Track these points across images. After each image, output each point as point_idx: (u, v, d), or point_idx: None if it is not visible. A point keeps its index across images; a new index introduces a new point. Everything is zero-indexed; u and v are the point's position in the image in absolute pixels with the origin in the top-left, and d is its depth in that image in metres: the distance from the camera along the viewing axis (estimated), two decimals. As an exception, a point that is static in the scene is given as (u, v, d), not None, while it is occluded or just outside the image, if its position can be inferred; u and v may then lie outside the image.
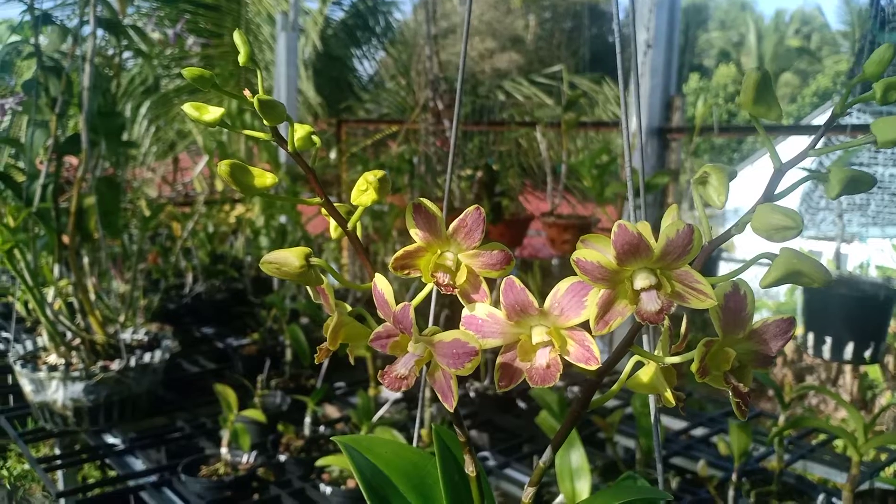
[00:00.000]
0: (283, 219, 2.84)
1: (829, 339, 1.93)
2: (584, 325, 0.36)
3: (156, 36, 1.89)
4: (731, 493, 1.25)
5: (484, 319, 0.39)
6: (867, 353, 1.92)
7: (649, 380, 0.41)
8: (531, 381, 0.37)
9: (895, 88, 0.31)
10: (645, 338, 0.49)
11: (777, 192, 0.35)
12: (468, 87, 5.91)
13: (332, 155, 4.18)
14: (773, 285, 0.33)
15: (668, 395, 0.41)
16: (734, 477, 1.24)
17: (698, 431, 1.76)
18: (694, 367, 0.34)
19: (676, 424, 1.79)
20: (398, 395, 1.85)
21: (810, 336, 1.97)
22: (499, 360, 0.39)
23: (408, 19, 7.90)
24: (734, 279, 0.34)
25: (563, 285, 0.37)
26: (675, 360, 0.38)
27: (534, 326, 0.38)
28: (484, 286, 0.40)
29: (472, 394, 1.90)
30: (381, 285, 0.39)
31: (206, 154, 3.42)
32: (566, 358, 0.37)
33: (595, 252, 0.33)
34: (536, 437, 1.69)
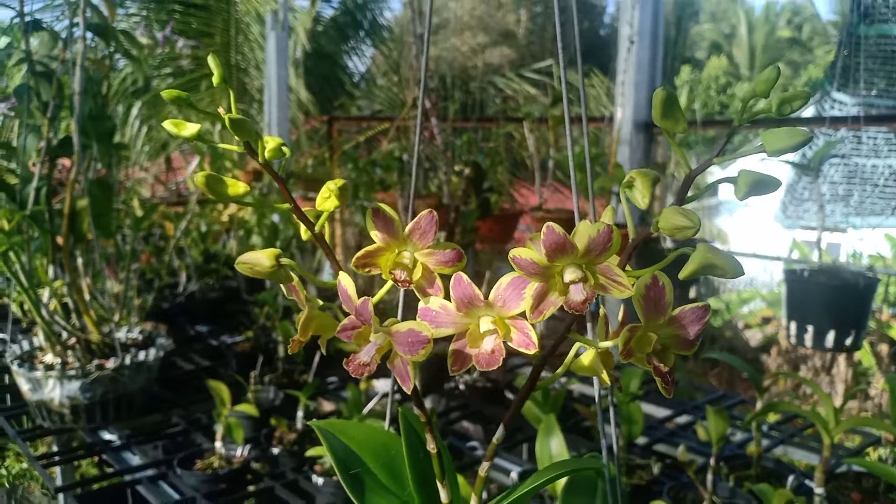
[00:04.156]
0: (275, 217, 2.88)
1: (810, 328, 1.97)
2: (525, 315, 0.41)
3: (145, 40, 1.92)
4: (709, 477, 1.29)
5: (437, 311, 0.43)
6: (848, 341, 1.97)
7: (589, 363, 0.45)
8: (478, 365, 0.41)
9: (789, 103, 0.35)
10: (589, 325, 0.53)
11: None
12: (458, 82, 5.94)
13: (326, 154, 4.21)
14: (690, 277, 0.37)
15: (605, 376, 0.45)
16: (712, 461, 1.28)
17: (682, 419, 1.81)
18: (619, 350, 0.38)
19: (661, 412, 1.84)
20: (387, 388, 1.89)
21: (793, 325, 2.02)
22: (451, 347, 0.43)
23: (398, 16, 7.92)
24: (654, 272, 0.38)
25: (504, 280, 0.41)
26: (608, 344, 0.43)
27: (481, 317, 0.42)
28: (438, 282, 0.44)
29: (461, 386, 1.95)
30: (345, 282, 0.43)
31: (198, 154, 3.44)
32: (509, 344, 0.41)
33: (529, 250, 0.38)
34: (524, 427, 1.73)
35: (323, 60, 6.45)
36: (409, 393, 0.43)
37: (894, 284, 3.99)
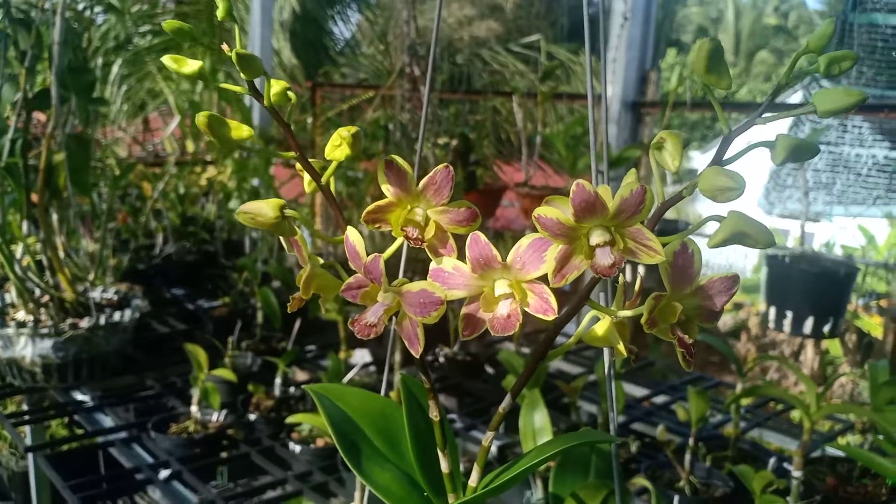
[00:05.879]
0: (255, 182, 2.83)
1: (789, 314, 1.99)
2: (543, 279, 0.39)
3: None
4: (687, 456, 1.29)
5: (450, 272, 0.41)
6: (826, 328, 1.99)
7: (603, 333, 0.44)
8: (492, 330, 0.39)
9: (837, 62, 0.33)
10: (602, 294, 0.52)
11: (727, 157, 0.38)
12: (446, 54, 5.87)
13: (309, 120, 4.15)
14: (719, 245, 0.35)
15: (621, 347, 0.43)
16: (691, 441, 1.29)
17: (659, 399, 1.81)
18: (643, 319, 0.37)
19: (638, 392, 1.84)
20: (368, 358, 1.88)
21: (772, 310, 2.03)
22: (463, 310, 0.41)
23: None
24: (684, 239, 0.36)
25: (525, 241, 0.39)
26: (628, 313, 0.41)
27: (496, 279, 0.40)
28: (451, 241, 0.42)
29: (441, 359, 1.93)
30: (353, 237, 0.41)
31: (177, 114, 3.36)
32: (525, 309, 0.39)
33: (555, 209, 0.36)
34: (503, 400, 1.72)
35: (309, 24, 6.34)
36: (416, 357, 0.41)
37: (868, 275, 4.04)
